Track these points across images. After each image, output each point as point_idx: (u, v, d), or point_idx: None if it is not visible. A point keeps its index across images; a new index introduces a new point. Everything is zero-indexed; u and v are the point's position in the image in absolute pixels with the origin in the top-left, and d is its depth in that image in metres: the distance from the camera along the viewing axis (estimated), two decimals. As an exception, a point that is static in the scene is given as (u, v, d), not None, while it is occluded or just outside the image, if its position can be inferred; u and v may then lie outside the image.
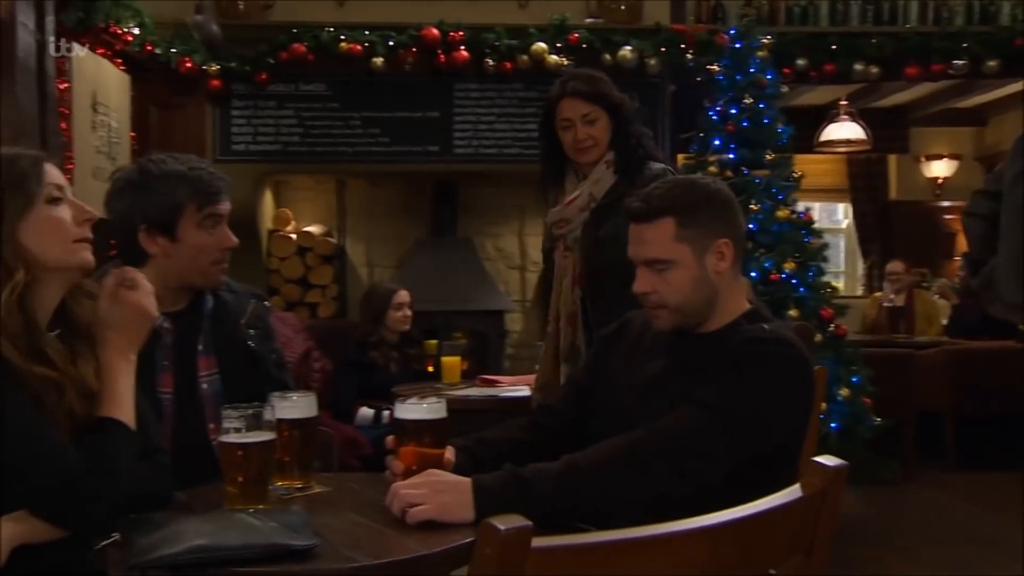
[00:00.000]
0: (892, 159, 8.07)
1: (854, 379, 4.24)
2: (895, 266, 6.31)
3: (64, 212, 1.43)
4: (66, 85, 3.65)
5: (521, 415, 1.94)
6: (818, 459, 0.83)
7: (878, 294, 6.63)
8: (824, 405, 4.01)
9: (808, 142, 6.96)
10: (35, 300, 1.39)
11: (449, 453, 1.59)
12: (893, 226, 7.99)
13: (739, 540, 0.75)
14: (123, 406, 1.43)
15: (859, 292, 8.08)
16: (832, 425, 4.07)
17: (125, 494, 1.36)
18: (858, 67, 5.03)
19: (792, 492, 0.81)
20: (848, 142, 6.83)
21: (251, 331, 1.94)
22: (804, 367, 1.55)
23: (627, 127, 2.45)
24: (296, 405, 1.59)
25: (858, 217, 8.15)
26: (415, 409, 1.52)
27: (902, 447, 4.90)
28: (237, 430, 1.46)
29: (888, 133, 7.47)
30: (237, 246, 1.92)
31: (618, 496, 1.45)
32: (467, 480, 1.40)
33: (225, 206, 1.88)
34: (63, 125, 3.60)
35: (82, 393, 1.40)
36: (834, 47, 4.98)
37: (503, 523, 0.64)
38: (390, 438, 1.57)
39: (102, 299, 1.49)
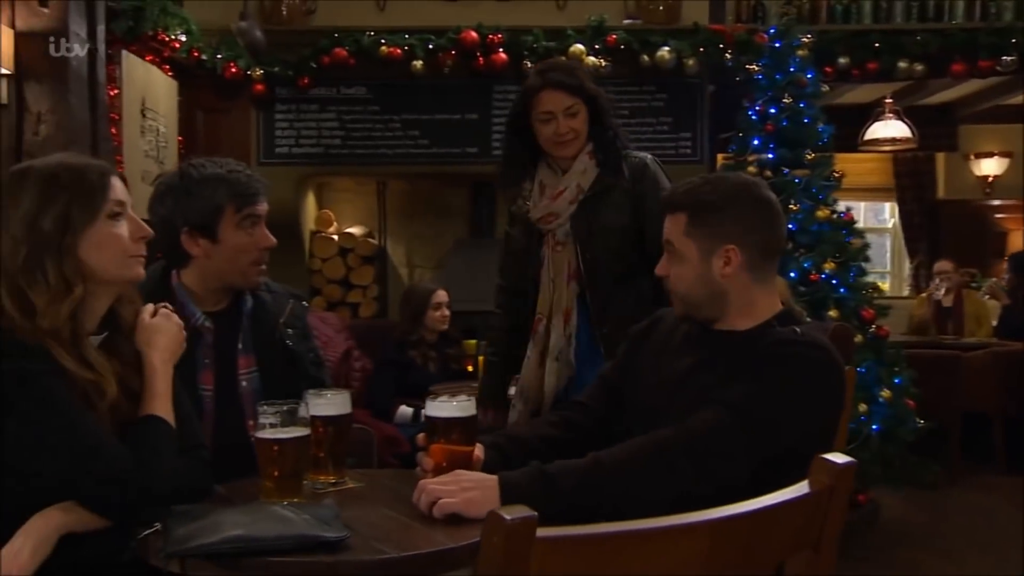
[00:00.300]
0: (940, 157, 7.93)
1: (896, 380, 4.18)
2: (943, 265, 6.19)
3: (123, 228, 1.49)
4: (116, 91, 3.77)
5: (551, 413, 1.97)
6: (827, 456, 0.84)
7: (925, 294, 6.52)
8: (864, 407, 3.96)
9: (852, 141, 6.88)
10: (85, 309, 1.46)
11: (478, 451, 1.62)
12: (941, 225, 7.85)
13: (743, 534, 0.77)
14: (164, 405, 1.49)
15: (905, 292, 7.96)
16: (873, 427, 4.01)
17: (167, 487, 1.42)
18: (902, 65, 4.96)
19: (799, 488, 0.83)
20: (893, 140, 6.72)
21: (289, 330, 1.99)
22: (832, 370, 1.55)
23: (604, 119, 2.38)
24: (330, 402, 1.63)
25: (904, 216, 8.02)
26: (445, 407, 1.56)
27: (947, 450, 4.82)
28: (273, 426, 1.51)
29: (936, 131, 7.33)
30: (275, 246, 1.97)
31: (641, 494, 1.47)
32: (494, 476, 1.43)
33: (263, 207, 1.93)
34: (113, 130, 3.71)
35: (125, 393, 1.46)
36: (877, 45, 4.92)
37: (509, 513, 0.66)
38: (421, 435, 1.61)
39: (146, 310, 1.56)
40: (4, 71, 3.19)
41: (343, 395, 1.67)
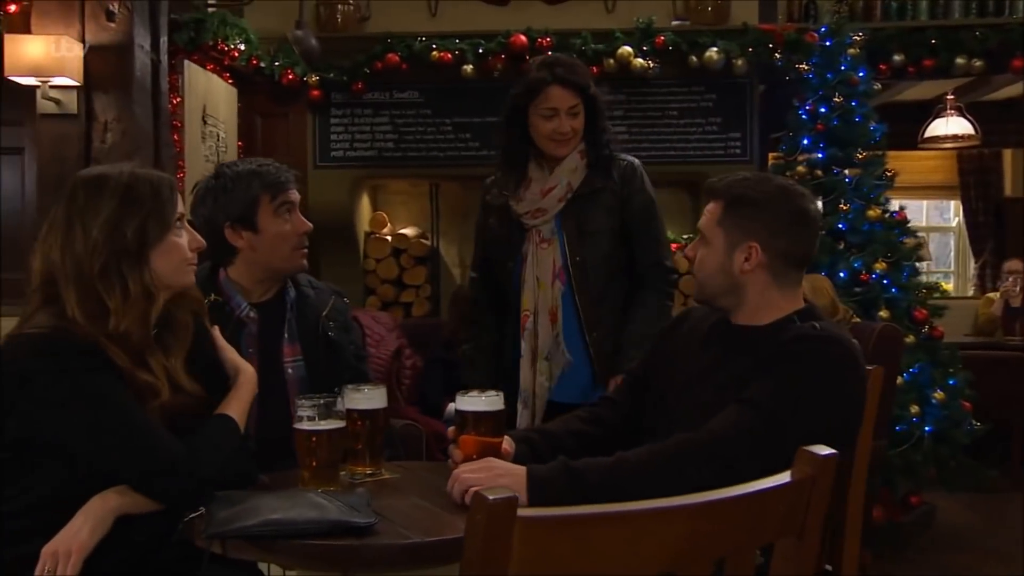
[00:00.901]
0: (1007, 154, 7.70)
1: (951, 382, 4.12)
2: (1015, 264, 6.04)
3: (184, 237, 1.61)
4: (178, 99, 3.93)
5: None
6: (810, 448, 0.89)
7: (991, 294, 6.36)
8: (916, 408, 3.92)
9: (913, 138, 6.76)
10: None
11: (508, 444, 1.68)
12: (1008, 224, 7.63)
13: (722, 519, 0.82)
14: (239, 410, 1.61)
15: (970, 292, 7.76)
16: (926, 428, 3.96)
17: (213, 475, 1.52)
18: (960, 61, 4.87)
19: (781, 477, 0.87)
20: (955, 137, 6.58)
21: (331, 323, 2.08)
22: (849, 364, 1.57)
23: (600, 120, 2.37)
24: (367, 397, 1.71)
25: (969, 215, 7.82)
26: (474, 401, 1.62)
27: (1007, 453, 4.72)
28: (310, 419, 1.60)
29: (1002, 127, 7.12)
30: (311, 230, 2.05)
31: (665, 494, 1.52)
32: (523, 468, 1.49)
33: (295, 194, 2.03)
34: (175, 137, 3.87)
35: (173, 387, 1.56)
36: (934, 41, 4.83)
37: (492, 494, 0.73)
38: (451, 428, 1.68)
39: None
40: (75, 83, 3.37)
41: (379, 390, 1.74)
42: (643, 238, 2.43)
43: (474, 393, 1.64)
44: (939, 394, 4.03)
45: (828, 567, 1.76)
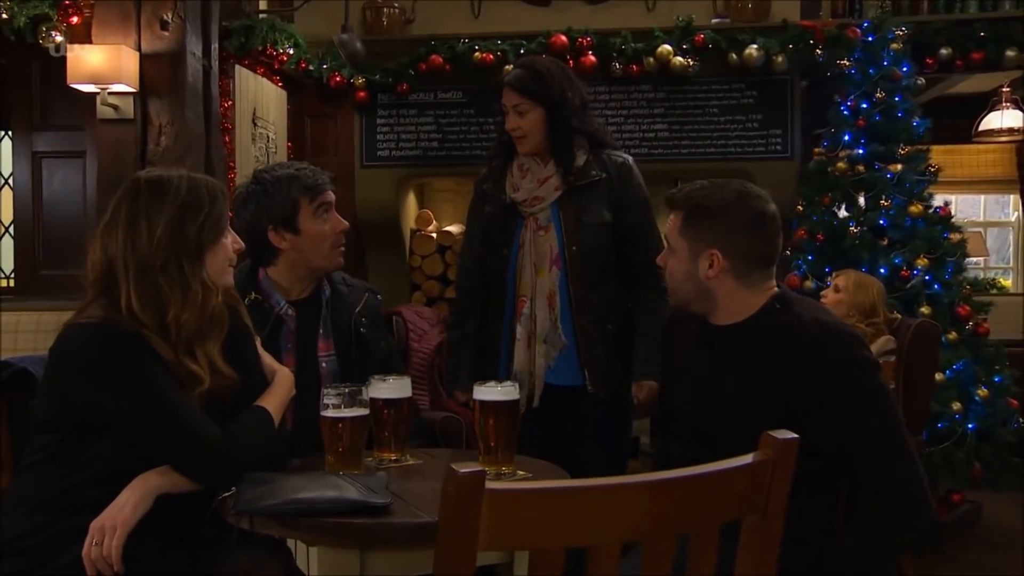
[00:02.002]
0: (1068, 147, 7.50)
1: (996, 379, 4.07)
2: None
3: (228, 239, 1.73)
4: (229, 103, 4.09)
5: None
6: (771, 432, 0.95)
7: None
8: (959, 405, 3.89)
9: (968, 132, 6.64)
10: None
11: None
12: (1068, 219, 7.45)
13: (680, 495, 0.89)
14: (276, 405, 1.72)
15: (1031, 289, 7.59)
16: (969, 426, 3.93)
17: (246, 458, 1.63)
18: (1010, 54, 4.78)
19: (743, 459, 0.94)
20: (1011, 131, 6.46)
21: (363, 319, 2.18)
22: (855, 343, 1.63)
23: (564, 124, 2.42)
24: (391, 386, 1.81)
25: (1028, 209, 7.65)
26: (491, 391, 1.71)
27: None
28: (335, 407, 1.70)
29: (1063, 119, 6.95)
30: (348, 229, 2.17)
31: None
32: None
33: (331, 195, 2.15)
34: (226, 139, 4.03)
35: (213, 372, 1.67)
36: (983, 34, 4.76)
37: (461, 467, 0.81)
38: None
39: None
40: (131, 89, 3.55)
41: (403, 381, 1.84)
42: (639, 235, 2.50)
43: (491, 384, 1.72)
44: (983, 391, 3.99)
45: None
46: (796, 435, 0.95)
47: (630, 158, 2.54)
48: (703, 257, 1.71)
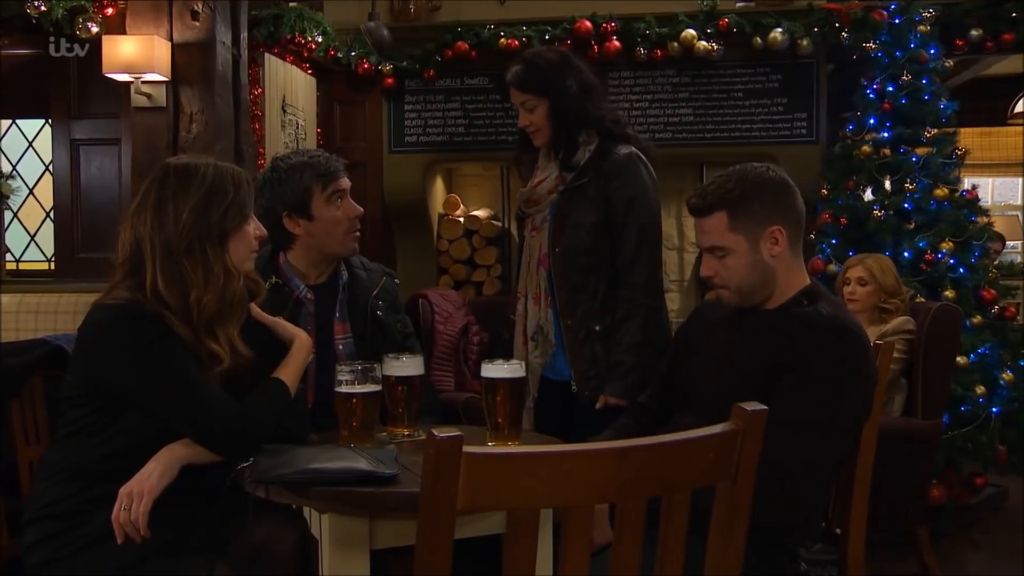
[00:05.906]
0: (1107, 129, 7.36)
1: (1021, 363, 4.05)
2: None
3: (251, 226, 1.80)
4: (259, 91, 4.19)
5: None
6: (743, 404, 1.01)
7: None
8: (983, 388, 3.87)
9: (1004, 114, 6.55)
10: None
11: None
12: (1107, 202, 7.32)
13: (649, 462, 0.95)
14: (291, 375, 1.80)
15: (1069, 274, 7.45)
16: (993, 410, 3.91)
17: (264, 432, 1.71)
18: (1043, 34, 4.72)
19: (712, 428, 0.99)
20: (1045, 113, 6.37)
21: (380, 302, 2.26)
22: (851, 347, 1.65)
23: (566, 114, 2.38)
24: (403, 364, 1.88)
25: (1065, 193, 7.52)
26: (498, 369, 1.78)
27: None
28: (349, 383, 1.78)
29: (1100, 102, 6.82)
30: (362, 215, 2.22)
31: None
32: None
33: (345, 182, 2.21)
34: (256, 126, 4.13)
35: (233, 352, 1.76)
36: (1014, 15, 4.70)
37: (440, 432, 0.88)
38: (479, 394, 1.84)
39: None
40: (163, 78, 3.65)
41: (416, 359, 1.91)
42: (620, 235, 2.39)
43: (499, 361, 1.79)
44: (1008, 375, 3.97)
45: (838, 530, 1.84)
46: (765, 407, 1.00)
47: (634, 152, 2.41)
48: (764, 238, 1.73)
